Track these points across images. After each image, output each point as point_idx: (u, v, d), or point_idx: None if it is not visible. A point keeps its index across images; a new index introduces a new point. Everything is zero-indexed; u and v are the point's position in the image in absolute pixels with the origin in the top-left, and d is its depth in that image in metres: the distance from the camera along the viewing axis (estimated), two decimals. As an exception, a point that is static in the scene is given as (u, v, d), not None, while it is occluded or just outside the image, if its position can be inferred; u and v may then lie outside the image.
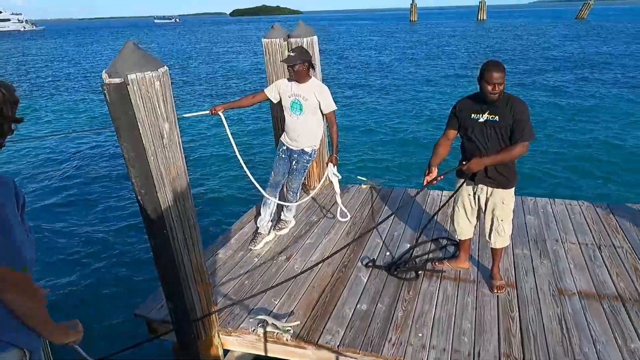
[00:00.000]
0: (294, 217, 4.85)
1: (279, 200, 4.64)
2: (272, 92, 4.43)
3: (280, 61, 4.47)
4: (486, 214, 3.52)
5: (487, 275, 3.78)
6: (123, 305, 5.18)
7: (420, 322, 3.28)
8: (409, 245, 4.35)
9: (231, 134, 4.35)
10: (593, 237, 4.38)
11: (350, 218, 4.95)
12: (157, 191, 2.69)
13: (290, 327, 3.21)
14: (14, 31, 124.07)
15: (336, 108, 4.38)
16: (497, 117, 3.18)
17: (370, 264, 4.02)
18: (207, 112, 4.37)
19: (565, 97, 16.13)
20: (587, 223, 4.66)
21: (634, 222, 4.61)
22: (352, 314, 3.40)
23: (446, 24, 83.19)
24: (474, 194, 3.54)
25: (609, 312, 3.32)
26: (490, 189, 3.41)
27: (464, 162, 3.37)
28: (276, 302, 3.58)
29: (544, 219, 4.79)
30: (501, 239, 3.54)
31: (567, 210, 4.96)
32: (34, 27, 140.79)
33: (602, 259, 4.02)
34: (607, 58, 26.46)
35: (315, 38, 5.18)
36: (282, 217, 4.78)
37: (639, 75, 20.03)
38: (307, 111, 4.28)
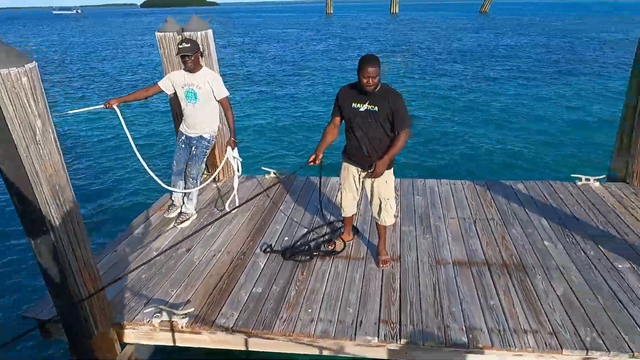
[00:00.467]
0: (195, 209, 4.92)
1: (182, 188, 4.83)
2: (165, 84, 4.60)
3: (176, 54, 4.53)
4: (373, 195, 3.82)
5: (375, 252, 4.10)
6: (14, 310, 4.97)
7: (311, 299, 3.51)
8: (306, 230, 4.58)
9: (129, 128, 4.56)
10: (470, 212, 4.87)
11: (252, 207, 5.09)
12: (34, 189, 2.66)
13: (185, 314, 3.30)
14: None
15: (229, 94, 4.66)
16: (376, 107, 3.44)
17: (267, 249, 4.19)
18: (102, 106, 4.43)
19: (464, 86, 17.35)
20: (466, 200, 5.16)
21: (506, 196, 5.19)
22: (248, 298, 3.56)
23: (361, 16, 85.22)
24: (359, 176, 3.84)
25: (476, 276, 3.76)
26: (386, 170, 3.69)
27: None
28: (173, 293, 3.65)
29: (430, 198, 5.23)
30: (389, 216, 3.86)
31: (451, 189, 5.45)
32: None
33: (476, 230, 4.49)
34: (502, 50, 28.67)
35: (210, 32, 5.23)
36: (182, 209, 4.85)
37: (525, 66, 21.95)
38: (202, 99, 4.51)
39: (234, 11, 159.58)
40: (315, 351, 3.21)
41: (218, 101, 4.62)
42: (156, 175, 4.41)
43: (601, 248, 4.10)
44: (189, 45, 4.30)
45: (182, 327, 3.27)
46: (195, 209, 4.92)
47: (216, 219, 3.60)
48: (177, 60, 4.79)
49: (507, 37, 37.25)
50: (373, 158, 3.62)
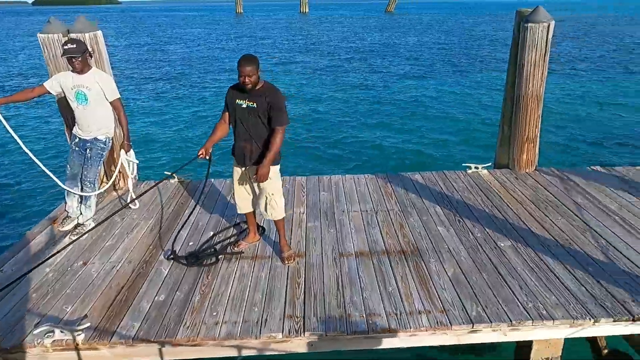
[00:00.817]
0: (93, 218, 4.68)
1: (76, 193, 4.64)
2: (51, 85, 4.42)
3: (61, 56, 4.30)
4: (259, 191, 3.92)
5: (277, 249, 4.16)
6: None
7: (216, 302, 3.50)
8: (212, 233, 4.54)
9: (17, 130, 4.24)
10: (372, 204, 5.10)
11: (155, 214, 4.95)
12: None
13: (81, 330, 3.14)
14: None
15: (119, 96, 4.56)
16: (255, 104, 3.59)
17: (171, 256, 4.10)
18: None
19: (366, 84, 18.04)
20: (369, 193, 5.39)
21: (404, 187, 5.49)
22: (150, 307, 3.46)
23: (271, 16, 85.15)
24: (247, 173, 3.94)
25: (377, 265, 3.95)
26: (256, 167, 3.79)
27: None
28: (68, 309, 3.45)
29: (335, 193, 5.40)
30: (276, 211, 3.96)
31: (354, 183, 5.66)
32: None
33: (377, 221, 4.72)
34: (403, 48, 30.13)
35: (99, 33, 5.00)
36: (79, 220, 4.61)
37: (423, 64, 23.26)
38: (93, 100, 4.40)
39: (138, 10, 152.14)
40: (222, 353, 3.21)
41: (110, 103, 4.51)
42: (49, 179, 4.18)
43: (487, 229, 4.49)
44: (74, 46, 4.16)
45: (78, 344, 3.11)
46: (93, 218, 4.68)
47: (101, 222, 3.47)
48: (64, 62, 4.56)
49: (409, 35, 39.21)
50: (254, 154, 3.76)
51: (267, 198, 3.89)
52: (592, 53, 25.88)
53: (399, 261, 4.00)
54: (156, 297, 3.57)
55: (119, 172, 5.15)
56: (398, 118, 12.90)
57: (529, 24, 5.11)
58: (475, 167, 5.93)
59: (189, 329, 3.21)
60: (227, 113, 3.82)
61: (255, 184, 3.92)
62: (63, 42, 4.29)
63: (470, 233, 4.43)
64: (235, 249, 4.21)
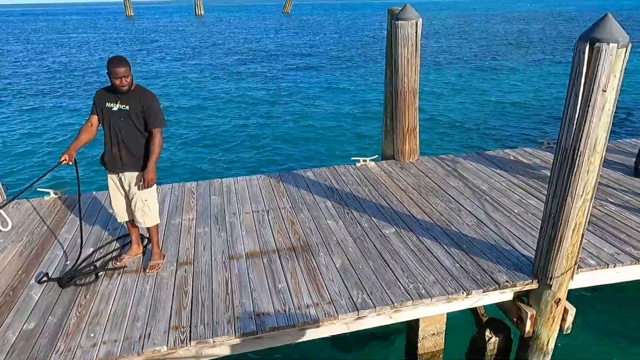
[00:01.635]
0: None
1: None
2: None
3: None
4: (132, 197, 3.78)
5: (168, 258, 4.00)
6: None
7: (94, 322, 3.27)
8: (92, 249, 4.25)
9: None
10: (264, 204, 5.09)
11: (26, 235, 4.52)
12: None
13: None
14: None
15: None
16: (127, 106, 3.48)
17: (44, 278, 3.76)
18: None
19: (259, 85, 18.06)
20: (261, 193, 5.37)
21: (296, 185, 5.55)
22: (17, 337, 3.15)
23: (166, 18, 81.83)
24: (119, 180, 3.78)
25: (267, 264, 3.95)
26: (129, 173, 3.70)
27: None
28: None
29: (226, 196, 5.31)
30: (149, 217, 3.85)
31: (246, 185, 5.61)
32: None
33: (269, 221, 4.71)
34: (298, 48, 30.58)
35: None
36: None
37: (314, 62, 23.84)
38: None
39: (13, 14, 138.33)
40: (102, 376, 3.01)
41: None
42: None
43: (373, 219, 4.68)
44: None
45: None
46: None
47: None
48: None
49: (302, 35, 39.79)
50: (127, 160, 3.65)
51: (138, 203, 3.77)
52: (464, 47, 28.21)
53: (289, 258, 4.03)
54: (24, 326, 3.26)
55: None
56: (290, 117, 13.07)
57: (399, 22, 5.41)
58: (364, 160, 6.15)
59: (61, 356, 2.97)
60: (95, 116, 3.65)
61: (128, 191, 3.76)
62: None
63: (358, 224, 4.59)
64: (118, 263, 3.97)
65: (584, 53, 2.92)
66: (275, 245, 4.24)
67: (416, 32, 5.45)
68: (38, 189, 5.32)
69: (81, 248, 4.08)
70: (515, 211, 4.74)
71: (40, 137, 11.90)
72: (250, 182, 5.68)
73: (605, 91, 2.94)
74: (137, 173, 3.71)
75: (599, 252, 3.97)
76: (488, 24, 49.25)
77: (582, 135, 3.07)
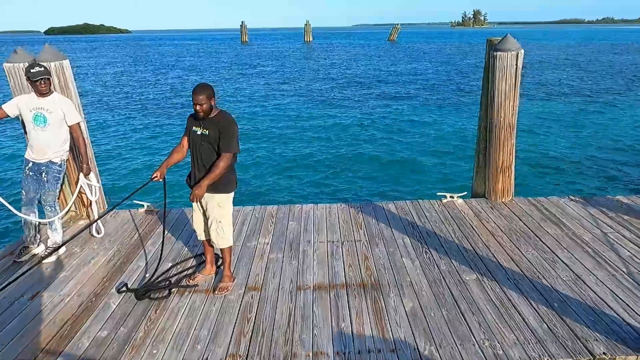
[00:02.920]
0: (62, 240, 4.70)
1: (39, 217, 4.68)
2: (10, 108, 4.47)
3: (26, 76, 4.35)
4: (209, 217, 3.89)
5: (239, 282, 4.03)
6: None
7: (159, 339, 3.35)
8: (170, 265, 4.41)
9: None
10: (340, 235, 4.97)
11: (117, 245, 4.84)
12: None
13: (9, 370, 3.00)
14: None
15: (81, 119, 4.68)
16: (208, 131, 3.64)
17: (123, 288, 3.97)
18: None
19: (350, 110, 18.10)
20: (339, 222, 5.26)
21: (376, 217, 5.36)
22: (90, 343, 3.32)
23: (277, 44, 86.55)
24: (199, 201, 3.89)
25: (334, 299, 3.80)
26: (207, 194, 3.80)
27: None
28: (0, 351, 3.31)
29: (304, 223, 5.27)
30: (222, 239, 3.92)
31: (325, 213, 5.54)
32: None
33: (342, 253, 4.58)
34: (403, 75, 30.41)
35: (66, 62, 5.02)
36: (49, 243, 4.69)
37: (414, 90, 23.40)
38: (53, 123, 4.45)
39: (146, 39, 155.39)
40: (159, 394, 3.05)
41: (69, 126, 4.57)
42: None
43: (453, 261, 4.34)
44: (42, 69, 4.31)
45: (5, 385, 2.97)
46: (61, 240, 4.69)
47: (56, 249, 3.36)
48: (28, 87, 4.61)
49: (404, 63, 39.56)
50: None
51: (213, 224, 3.88)
52: (566, 81, 26.06)
53: (357, 295, 3.85)
54: (98, 333, 3.43)
55: (79, 195, 5.10)
56: (379, 146, 12.89)
57: (498, 53, 5.07)
58: (451, 197, 5.80)
59: (124, 369, 3.06)
60: (185, 138, 3.88)
61: (205, 211, 3.91)
62: (27, 65, 4.35)
63: (435, 265, 4.28)
64: (191, 282, 4.08)
65: None
66: (345, 280, 4.09)
67: (516, 65, 5.07)
68: (134, 201, 5.71)
69: (159, 262, 4.25)
70: (623, 270, 4.12)
71: (143, 150, 12.97)
72: (329, 210, 5.60)
73: None
74: (215, 194, 3.80)
75: None
76: (600, 54, 45.38)
77: None
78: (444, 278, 4.06)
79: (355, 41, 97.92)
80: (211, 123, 3.63)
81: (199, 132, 3.68)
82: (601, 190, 8.83)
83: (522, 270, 4.16)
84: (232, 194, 3.89)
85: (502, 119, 5.29)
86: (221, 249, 4.02)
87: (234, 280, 4.06)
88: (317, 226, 5.19)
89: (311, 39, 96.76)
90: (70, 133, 4.62)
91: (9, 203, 4.25)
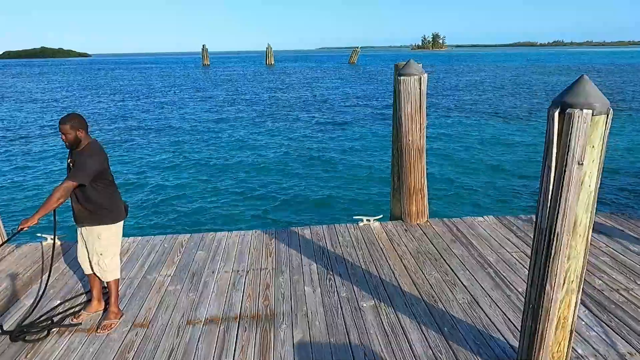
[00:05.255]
0: None
1: None
2: None
3: None
4: (89, 250, 3.75)
5: (130, 317, 3.83)
6: None
7: (21, 386, 3.11)
8: (59, 302, 4.16)
9: None
10: (247, 263, 4.84)
11: (7, 280, 4.54)
12: None
13: None
14: None
15: None
16: (72, 162, 3.52)
17: (-3, 331, 3.70)
18: None
19: (289, 136, 18.14)
20: (249, 250, 5.13)
21: (288, 244, 5.26)
22: (-59, 396, 3.05)
23: (237, 67, 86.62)
24: (81, 233, 3.76)
25: (222, 332, 3.65)
26: (86, 227, 3.67)
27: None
28: None
29: (213, 252, 5.12)
30: (105, 272, 3.76)
31: (238, 240, 5.40)
32: None
33: (244, 283, 4.44)
34: (344, 97, 30.89)
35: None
36: None
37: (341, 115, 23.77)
38: None
39: (107, 62, 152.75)
40: None
41: None
42: None
43: (355, 288, 4.27)
44: None
45: None
46: None
47: None
48: None
49: (356, 85, 40.29)
50: (80, 213, 3.64)
51: (95, 257, 3.73)
52: (495, 102, 27.12)
53: (247, 327, 3.71)
54: (-45, 383, 3.16)
55: None
56: (313, 168, 12.84)
57: (402, 77, 5.14)
58: (367, 220, 5.78)
59: (-30, 423, 2.81)
60: None
61: (86, 243, 3.76)
62: None
63: (336, 292, 4.20)
64: (75, 320, 3.84)
65: (553, 120, 2.51)
66: (240, 312, 3.94)
67: (420, 88, 5.15)
68: (37, 234, 5.42)
69: (38, 300, 4.02)
70: (519, 290, 4.15)
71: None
72: (242, 238, 5.47)
73: (581, 164, 2.48)
74: (93, 227, 3.65)
75: (607, 350, 3.31)
76: (542, 75, 47.58)
77: (557, 213, 2.60)
78: (341, 306, 3.98)
79: (316, 64, 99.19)
80: (77, 155, 3.51)
81: (69, 164, 3.56)
82: (523, 210, 9.04)
83: (421, 294, 4.13)
84: (113, 225, 3.72)
85: (409, 142, 5.34)
86: (107, 283, 3.82)
87: (121, 317, 3.86)
88: (225, 255, 5.04)
89: (273, 62, 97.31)
90: None
91: None
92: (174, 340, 3.58)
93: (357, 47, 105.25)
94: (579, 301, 2.83)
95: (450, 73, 56.84)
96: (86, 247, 3.80)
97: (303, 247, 5.18)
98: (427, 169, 5.69)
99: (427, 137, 5.56)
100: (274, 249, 5.16)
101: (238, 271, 4.68)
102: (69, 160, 3.57)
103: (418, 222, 5.71)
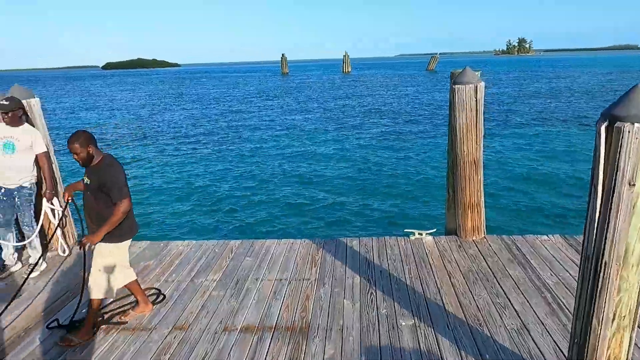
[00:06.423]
0: (43, 259, 5.11)
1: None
2: None
3: None
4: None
5: (169, 322, 3.96)
6: None
7: (65, 379, 3.31)
8: (111, 300, 4.40)
9: None
10: (291, 272, 4.83)
11: (71, 277, 4.89)
12: None
13: None
14: None
15: (46, 150, 4.99)
16: (90, 180, 3.65)
17: (53, 324, 3.97)
18: None
19: (354, 145, 17.90)
20: (295, 259, 5.12)
21: (334, 254, 5.19)
22: (-3, 381, 3.32)
23: (314, 75, 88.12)
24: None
25: (255, 342, 3.66)
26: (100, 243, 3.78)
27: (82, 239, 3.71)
28: None
29: (261, 259, 5.18)
30: (92, 289, 3.83)
31: (286, 249, 5.42)
32: None
33: (284, 292, 4.44)
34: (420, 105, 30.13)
35: (34, 100, 5.27)
36: (30, 260, 5.09)
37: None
38: (20, 150, 4.80)
39: (193, 72, 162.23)
40: None
41: (37, 155, 4.92)
42: None
43: (396, 304, 4.11)
44: (7, 103, 4.67)
45: None
46: (41, 258, 4.99)
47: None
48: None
49: (428, 93, 39.23)
50: (91, 230, 3.76)
51: (97, 270, 3.83)
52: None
53: (280, 339, 3.69)
54: (10, 371, 3.44)
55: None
56: (370, 178, 12.60)
57: (457, 86, 4.90)
58: (419, 234, 5.56)
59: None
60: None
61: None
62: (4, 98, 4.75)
63: (375, 308, 4.07)
64: (123, 318, 4.05)
65: (600, 135, 2.24)
66: (276, 322, 3.94)
67: (476, 97, 4.88)
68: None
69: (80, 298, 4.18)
70: (578, 319, 3.76)
71: (176, 183, 13.28)
72: (290, 246, 5.48)
73: (633, 185, 2.20)
74: (104, 244, 3.79)
75: (675, 396, 2.90)
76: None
77: (605, 240, 2.32)
78: (378, 322, 3.84)
79: (392, 71, 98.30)
80: (93, 170, 3.64)
81: (86, 181, 3.69)
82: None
83: (465, 317, 3.88)
84: (109, 245, 3.79)
85: (464, 154, 5.07)
86: (90, 299, 3.86)
87: (90, 338, 3.75)
88: (271, 263, 5.08)
89: (349, 70, 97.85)
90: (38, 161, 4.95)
91: None
92: (209, 345, 3.64)
93: (436, 54, 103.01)
94: (633, 340, 2.50)
95: (524, 79, 53.84)
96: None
97: (349, 259, 5.09)
98: (485, 182, 5.37)
99: (485, 148, 5.27)
100: (319, 260, 5.12)
101: (281, 280, 4.69)
102: (86, 179, 3.67)
103: (473, 238, 5.40)
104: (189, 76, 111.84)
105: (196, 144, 19.10)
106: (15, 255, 5.14)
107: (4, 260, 5.10)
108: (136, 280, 4.12)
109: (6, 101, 4.69)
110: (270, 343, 3.64)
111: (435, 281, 4.50)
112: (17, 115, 4.77)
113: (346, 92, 43.16)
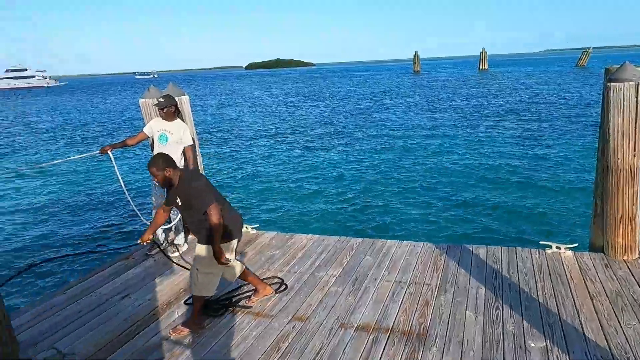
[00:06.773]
0: (185, 240, 5.76)
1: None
2: (148, 130, 5.53)
3: (153, 105, 5.41)
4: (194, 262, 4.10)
5: (294, 311, 4.14)
6: None
7: (193, 353, 3.63)
8: (240, 284, 4.72)
9: (120, 172, 5.72)
10: (410, 276, 4.71)
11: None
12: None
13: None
14: (38, 87, 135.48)
15: (192, 143, 5.54)
16: (179, 198, 3.86)
17: (189, 301, 4.38)
18: (97, 152, 5.63)
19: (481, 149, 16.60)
20: (416, 263, 4.97)
21: (458, 261, 4.93)
22: (142, 345, 3.76)
23: (448, 73, 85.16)
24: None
25: (370, 343, 3.63)
26: (198, 245, 4.05)
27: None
28: (73, 342, 3.95)
29: (380, 259, 5.12)
30: (195, 286, 4.01)
31: (407, 251, 5.29)
32: (57, 83, 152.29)
33: (403, 295, 4.34)
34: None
35: (184, 98, 5.84)
36: (175, 241, 5.71)
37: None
38: (172, 142, 5.41)
39: (328, 70, 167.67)
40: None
41: (184, 147, 5.47)
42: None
43: (524, 322, 3.77)
44: (163, 100, 5.29)
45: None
46: (183, 240, 5.74)
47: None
48: (155, 113, 5.63)
49: (573, 91, 35.16)
50: (199, 239, 4.01)
51: (193, 269, 4.05)
52: None
53: (396, 343, 3.61)
54: (153, 338, 3.86)
55: None
56: (501, 181, 11.67)
57: (613, 84, 4.31)
58: (557, 247, 5.02)
59: (155, 373, 3.39)
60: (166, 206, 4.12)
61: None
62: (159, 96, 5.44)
63: (501, 324, 3.77)
64: (248, 302, 4.31)
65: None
66: (392, 325, 3.86)
67: (637, 97, 4.24)
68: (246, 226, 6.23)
69: None
70: None
71: (292, 175, 13.94)
72: (412, 249, 5.34)
73: None
74: (203, 246, 4.00)
75: None
76: None
77: None
78: (503, 340, 3.56)
79: (535, 68, 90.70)
80: (178, 192, 3.82)
81: (178, 202, 3.88)
82: None
83: (609, 346, 3.41)
84: (205, 247, 3.95)
85: (619, 161, 4.45)
86: (192, 295, 4.08)
87: (200, 328, 3.94)
88: (391, 264, 5.00)
89: (486, 67, 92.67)
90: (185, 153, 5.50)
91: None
92: (325, 340, 3.71)
93: (589, 48, 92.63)
94: None
95: None
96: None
97: (474, 268, 4.80)
98: (642, 194, 4.65)
99: (645, 155, 4.55)
100: (442, 265, 4.91)
101: (400, 282, 4.59)
102: (177, 200, 3.85)
103: (625, 258, 4.72)
104: (321, 74, 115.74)
105: (325, 141, 19.69)
106: (163, 235, 5.77)
107: (157, 237, 5.72)
108: (246, 270, 4.32)
109: (162, 99, 5.31)
110: (385, 345, 3.58)
111: (575, 302, 4.03)
112: (171, 111, 5.37)
113: (481, 91, 41.00)
